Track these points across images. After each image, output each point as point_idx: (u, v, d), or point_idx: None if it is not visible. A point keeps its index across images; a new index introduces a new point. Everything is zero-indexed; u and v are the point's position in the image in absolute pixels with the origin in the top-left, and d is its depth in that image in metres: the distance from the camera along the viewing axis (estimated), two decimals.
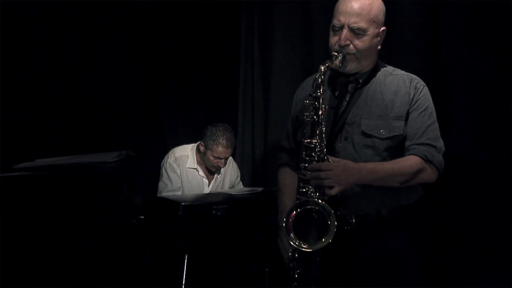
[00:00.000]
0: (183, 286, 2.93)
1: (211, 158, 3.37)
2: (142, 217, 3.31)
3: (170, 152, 3.50)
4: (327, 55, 2.05)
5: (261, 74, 3.70)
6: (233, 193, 3.29)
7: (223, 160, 3.41)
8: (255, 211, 3.09)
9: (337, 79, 2.15)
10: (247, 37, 3.76)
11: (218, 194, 3.34)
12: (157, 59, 3.85)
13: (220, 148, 3.34)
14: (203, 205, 3.01)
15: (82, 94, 3.48)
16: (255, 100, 3.72)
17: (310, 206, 1.91)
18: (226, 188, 3.58)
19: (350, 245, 2.03)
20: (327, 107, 2.05)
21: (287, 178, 2.23)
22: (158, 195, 3.45)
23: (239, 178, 3.69)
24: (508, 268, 2.63)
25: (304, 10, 3.44)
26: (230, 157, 3.57)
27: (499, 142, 2.70)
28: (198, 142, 3.47)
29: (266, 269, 3.23)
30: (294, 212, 1.91)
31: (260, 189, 3.34)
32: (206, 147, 3.39)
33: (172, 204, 2.95)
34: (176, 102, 3.91)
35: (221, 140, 3.33)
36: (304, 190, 1.96)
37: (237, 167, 3.69)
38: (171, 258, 3.15)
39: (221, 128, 3.38)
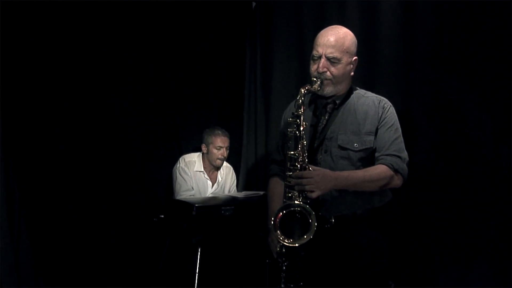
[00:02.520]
0: (196, 274, 3.10)
1: (215, 151, 3.70)
2: (162, 216, 3.49)
3: (180, 159, 3.76)
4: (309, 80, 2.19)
5: (262, 93, 3.90)
6: (238, 196, 3.43)
7: (224, 150, 3.71)
8: (258, 211, 3.03)
9: (317, 101, 2.31)
10: (251, 63, 4.00)
11: (226, 197, 3.50)
12: (176, 82, 3.98)
13: (219, 138, 3.69)
14: (214, 206, 3.18)
15: (108, 111, 3.58)
16: (258, 115, 3.92)
17: (294, 208, 2.04)
18: (226, 190, 3.82)
19: (330, 240, 2.18)
20: (307, 124, 2.19)
21: (277, 187, 2.34)
22: (175, 194, 3.67)
23: (235, 183, 3.94)
24: (492, 265, 2.77)
25: (298, 41, 3.64)
26: (230, 166, 3.85)
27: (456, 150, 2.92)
28: (202, 150, 3.76)
29: (267, 260, 3.22)
30: (281, 213, 2.05)
31: (261, 192, 3.45)
32: (207, 144, 3.71)
33: (187, 205, 3.12)
34: (191, 116, 4.06)
35: (217, 132, 3.72)
36: (289, 195, 2.10)
37: (235, 175, 3.95)
38: (187, 251, 3.32)
39: (213, 127, 3.78)
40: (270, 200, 2.38)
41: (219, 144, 3.71)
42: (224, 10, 4.07)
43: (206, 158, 3.78)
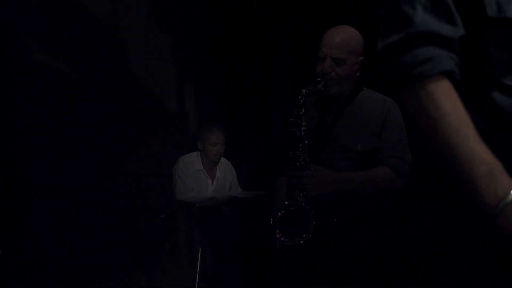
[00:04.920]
0: (197, 274, 3.15)
1: (210, 147, 3.61)
2: (163, 216, 3.50)
3: (179, 160, 3.70)
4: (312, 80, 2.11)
5: (262, 93, 3.93)
6: (239, 196, 3.46)
7: (220, 146, 3.64)
8: (258, 211, 3.29)
9: (323, 101, 2.28)
10: (251, 62, 4.04)
11: (227, 196, 3.52)
12: (176, 82, 3.96)
13: (214, 135, 3.61)
14: (214, 206, 3.22)
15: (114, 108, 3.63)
16: (258, 115, 3.96)
17: (292, 208, 2.03)
18: (227, 186, 3.78)
19: (331, 240, 2.14)
20: (313, 123, 2.18)
21: (282, 186, 2.26)
22: (175, 196, 3.63)
23: (235, 178, 3.88)
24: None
25: (298, 41, 3.68)
26: (228, 162, 3.82)
27: None
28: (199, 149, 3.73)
29: (267, 260, 3.17)
30: (280, 213, 2.03)
31: (262, 192, 3.45)
32: (203, 141, 3.65)
33: (188, 205, 3.18)
34: (191, 116, 4.06)
35: (212, 128, 3.64)
36: (290, 194, 2.08)
37: (233, 169, 3.89)
38: (187, 251, 3.38)
39: (208, 123, 3.73)
40: (274, 199, 2.35)
41: (214, 140, 3.64)
42: (225, 9, 4.09)
43: (204, 155, 3.74)
